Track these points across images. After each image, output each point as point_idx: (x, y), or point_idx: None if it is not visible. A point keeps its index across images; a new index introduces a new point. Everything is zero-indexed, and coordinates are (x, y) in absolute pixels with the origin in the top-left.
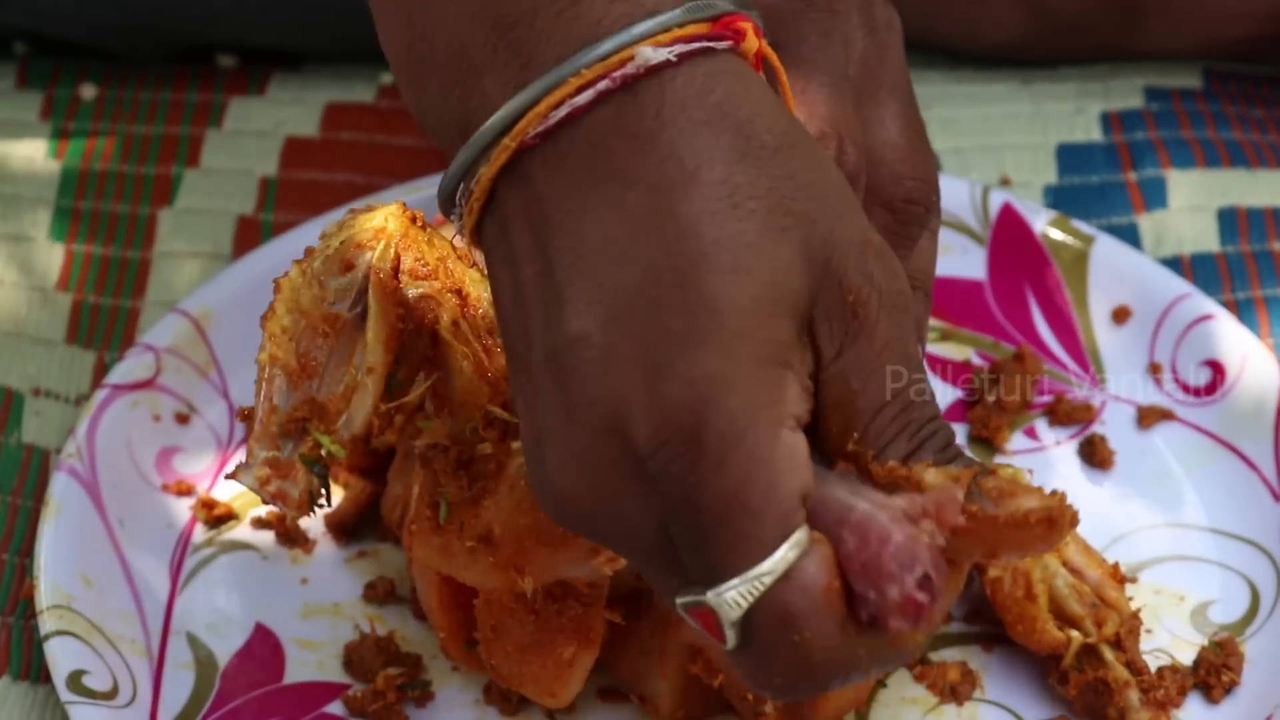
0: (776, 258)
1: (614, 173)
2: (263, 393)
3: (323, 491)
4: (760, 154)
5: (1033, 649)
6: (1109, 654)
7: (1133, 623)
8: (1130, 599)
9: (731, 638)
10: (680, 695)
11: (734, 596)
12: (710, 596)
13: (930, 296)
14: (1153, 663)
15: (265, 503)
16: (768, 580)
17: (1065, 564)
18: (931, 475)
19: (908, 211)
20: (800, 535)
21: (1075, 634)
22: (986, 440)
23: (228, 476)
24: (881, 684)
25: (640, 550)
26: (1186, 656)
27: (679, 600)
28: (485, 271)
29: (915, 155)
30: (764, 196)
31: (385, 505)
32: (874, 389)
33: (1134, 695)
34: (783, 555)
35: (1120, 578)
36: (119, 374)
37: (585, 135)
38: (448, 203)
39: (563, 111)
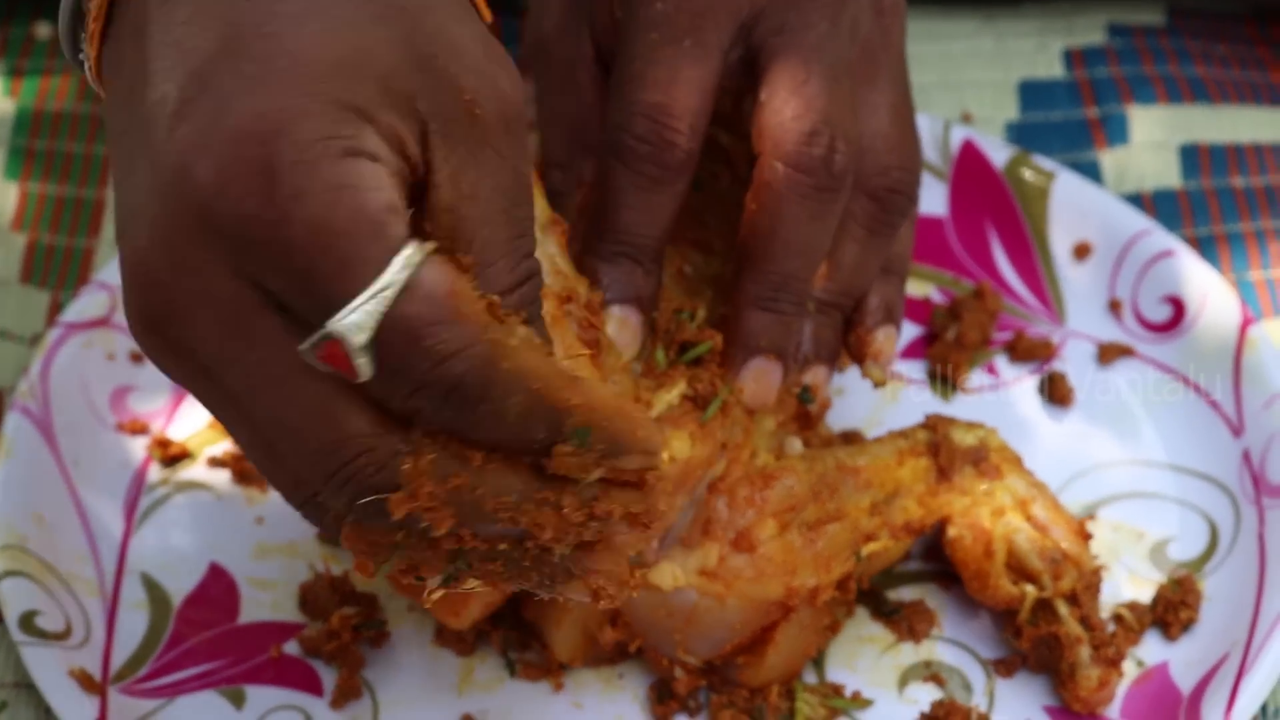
0: (369, 32)
1: None
2: None
3: None
4: None
5: (989, 604)
6: (1063, 609)
7: (1092, 579)
8: (1095, 557)
9: (365, 366)
10: (577, 641)
11: (356, 319)
12: (332, 325)
13: (905, 280)
14: (1111, 599)
15: None
16: (389, 295)
17: (1029, 519)
18: (522, 333)
19: (891, 201)
20: (410, 251)
21: (1030, 589)
22: (946, 377)
23: None
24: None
25: (221, 318)
26: (1145, 594)
27: (303, 347)
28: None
29: (903, 146)
30: None
31: None
32: (485, 197)
33: (1085, 652)
34: (401, 268)
35: (1085, 534)
36: (73, 312)
37: None
38: (70, 42)
39: None
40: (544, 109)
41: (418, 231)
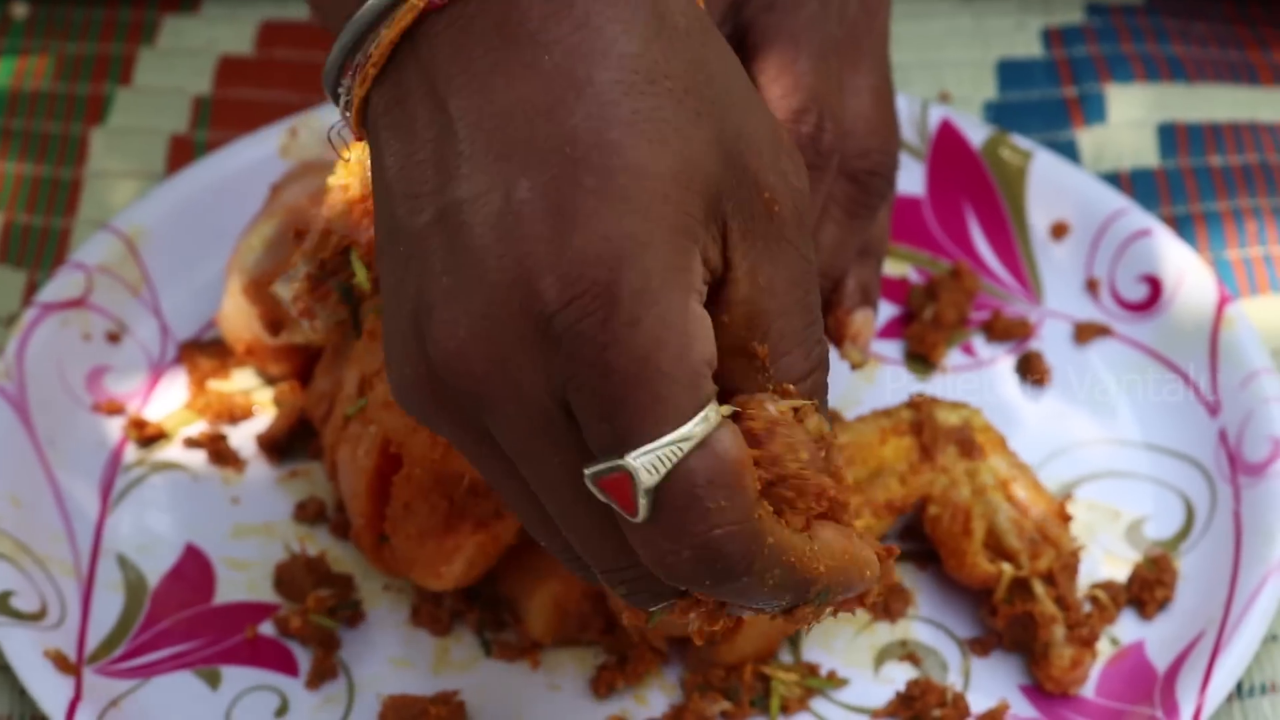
0: (692, 137)
1: (528, 36)
2: (323, 213)
3: (352, 326)
4: (674, 34)
5: (965, 582)
6: (1039, 589)
7: (1069, 559)
8: (1075, 538)
9: (644, 507)
10: (550, 615)
11: (650, 460)
12: (628, 460)
13: (882, 263)
14: (1087, 578)
15: (294, 316)
16: (685, 447)
17: (1010, 499)
18: (814, 422)
19: (871, 183)
20: (714, 406)
21: (1007, 568)
22: (923, 357)
23: (270, 288)
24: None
25: (527, 419)
26: (1121, 573)
27: (589, 470)
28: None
29: (884, 129)
30: (680, 77)
31: (310, 401)
32: (782, 290)
33: (1059, 631)
34: (699, 422)
35: (1065, 516)
36: (49, 292)
37: None
38: (335, 75)
39: None
40: None
41: (713, 320)
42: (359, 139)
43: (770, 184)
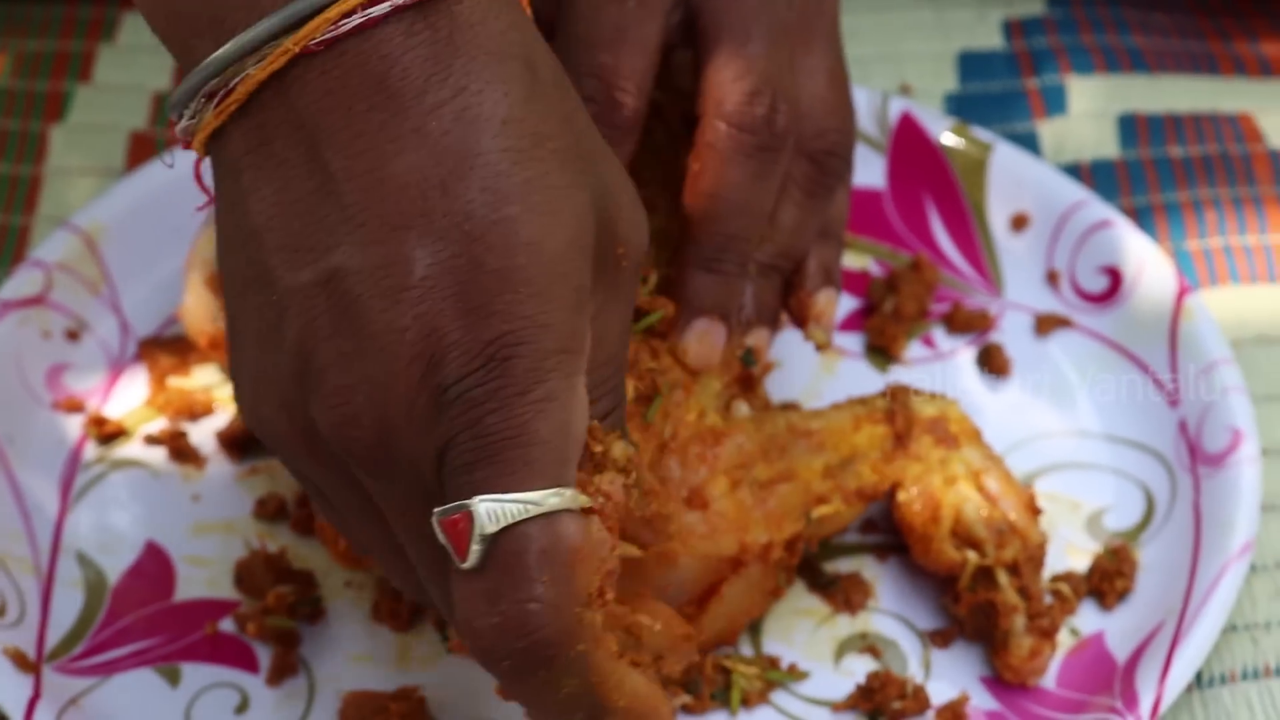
0: (578, 201)
1: (413, 97)
2: None
3: None
4: (546, 91)
5: (931, 569)
6: (1003, 578)
7: (1035, 551)
8: (1044, 532)
9: (474, 554)
10: None
11: (494, 509)
12: (474, 502)
13: (842, 244)
14: (1048, 569)
15: None
16: (530, 510)
17: (980, 489)
18: (619, 449)
19: (829, 163)
20: (575, 492)
21: (972, 555)
22: (883, 349)
23: None
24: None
25: (406, 481)
26: (1081, 564)
27: (438, 510)
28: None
29: (840, 109)
30: (558, 136)
31: None
32: (609, 340)
33: (1019, 621)
34: (552, 494)
35: (1035, 509)
36: (8, 290)
37: (376, 50)
38: (183, 102)
39: (355, 20)
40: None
41: None
42: (199, 162)
43: (624, 236)
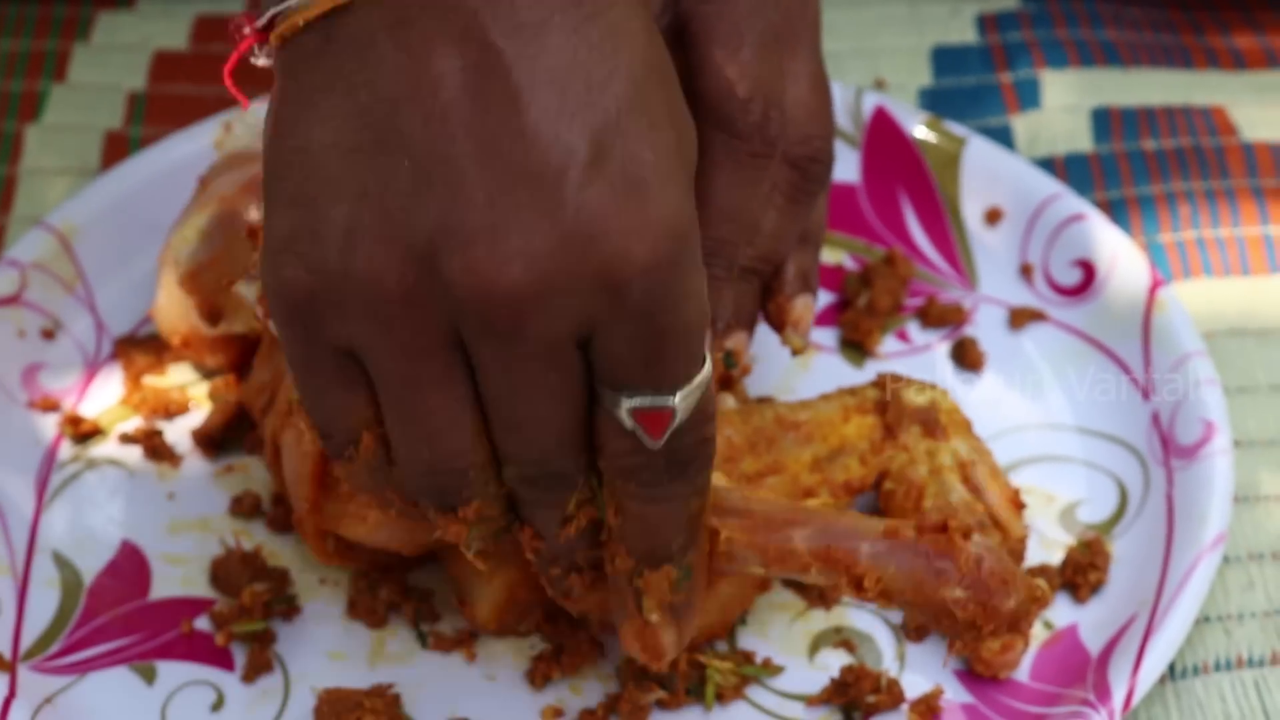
0: (681, 109)
1: (573, 3)
2: None
3: None
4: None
5: None
6: None
7: (1015, 545)
8: (1026, 526)
9: (666, 436)
10: (502, 603)
11: (687, 403)
12: (677, 399)
13: (820, 249)
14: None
15: (256, 320)
16: (699, 390)
17: (965, 481)
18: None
19: (812, 170)
20: (709, 363)
21: None
22: (858, 344)
23: (229, 285)
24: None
25: (547, 348)
26: (1055, 557)
27: (633, 403)
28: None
29: (822, 115)
30: (667, 69)
31: (248, 392)
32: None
33: None
34: (706, 371)
35: (1019, 504)
36: None
37: None
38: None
39: None
40: None
41: None
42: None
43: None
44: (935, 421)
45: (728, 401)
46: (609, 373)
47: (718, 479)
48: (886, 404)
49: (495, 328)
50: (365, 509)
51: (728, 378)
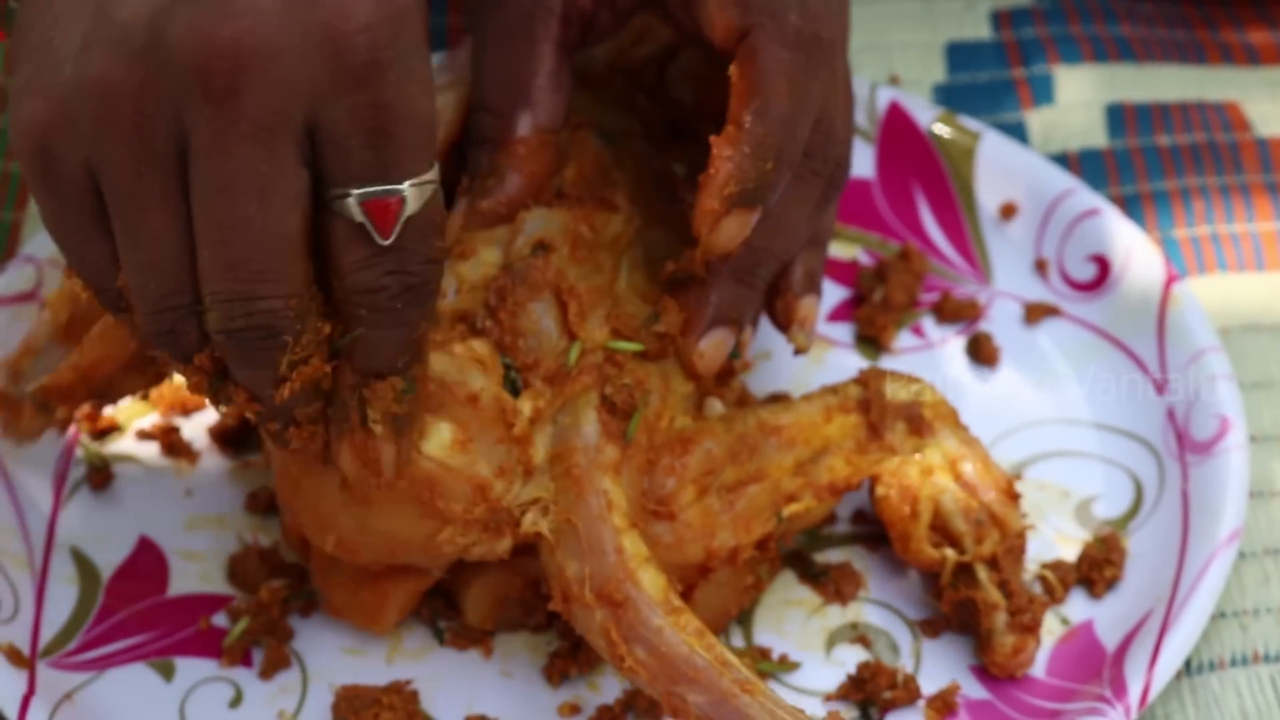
0: None
1: None
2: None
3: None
4: None
5: (913, 565)
6: (982, 574)
7: (1015, 541)
8: (1025, 516)
9: (395, 232)
10: (488, 605)
11: (415, 192)
12: (406, 187)
13: (826, 251)
14: (1037, 557)
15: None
16: (430, 189)
17: (958, 478)
18: None
19: (836, 177)
20: (437, 166)
21: (950, 553)
22: (873, 339)
23: None
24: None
25: (273, 120)
26: (1071, 552)
27: (361, 190)
28: None
29: (849, 121)
30: None
31: None
32: None
33: (1000, 618)
34: (435, 169)
35: (1014, 494)
36: (0, 286)
37: None
38: None
39: None
40: (490, 55)
41: None
42: None
43: None
44: (920, 418)
45: (715, 406)
46: (336, 164)
47: (648, 579)
48: (870, 402)
49: (213, 90)
50: (370, 604)
51: (728, 369)
